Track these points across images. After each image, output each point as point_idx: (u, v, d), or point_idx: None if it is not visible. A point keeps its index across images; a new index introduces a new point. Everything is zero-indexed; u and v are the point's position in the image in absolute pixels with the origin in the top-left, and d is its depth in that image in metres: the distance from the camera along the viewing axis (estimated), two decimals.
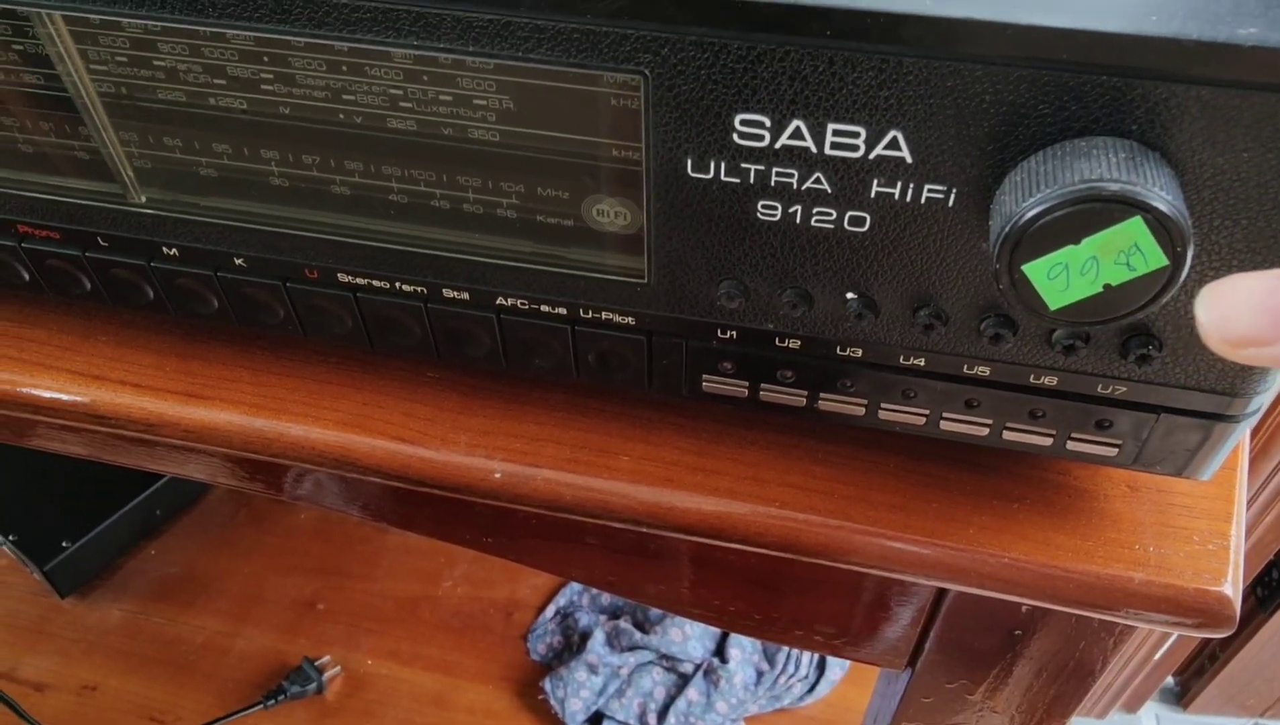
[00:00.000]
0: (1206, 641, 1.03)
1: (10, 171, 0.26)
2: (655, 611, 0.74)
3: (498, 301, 0.25)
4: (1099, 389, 0.23)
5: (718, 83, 0.19)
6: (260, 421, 0.29)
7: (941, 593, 0.30)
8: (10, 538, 0.80)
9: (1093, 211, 0.17)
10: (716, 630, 0.72)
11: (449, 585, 0.83)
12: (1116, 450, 0.24)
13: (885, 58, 0.18)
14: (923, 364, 0.23)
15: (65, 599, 0.84)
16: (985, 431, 0.25)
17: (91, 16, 0.22)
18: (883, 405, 0.25)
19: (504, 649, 0.79)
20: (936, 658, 0.33)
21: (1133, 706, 1.06)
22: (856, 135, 0.19)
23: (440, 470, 0.28)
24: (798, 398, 0.25)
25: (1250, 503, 0.80)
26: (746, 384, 0.25)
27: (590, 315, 0.25)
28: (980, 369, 0.23)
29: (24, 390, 0.30)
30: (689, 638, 0.71)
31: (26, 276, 0.29)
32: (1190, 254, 0.18)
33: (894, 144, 0.19)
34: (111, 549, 0.86)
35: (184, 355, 0.31)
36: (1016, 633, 0.30)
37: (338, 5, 0.20)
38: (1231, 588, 0.25)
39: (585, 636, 0.74)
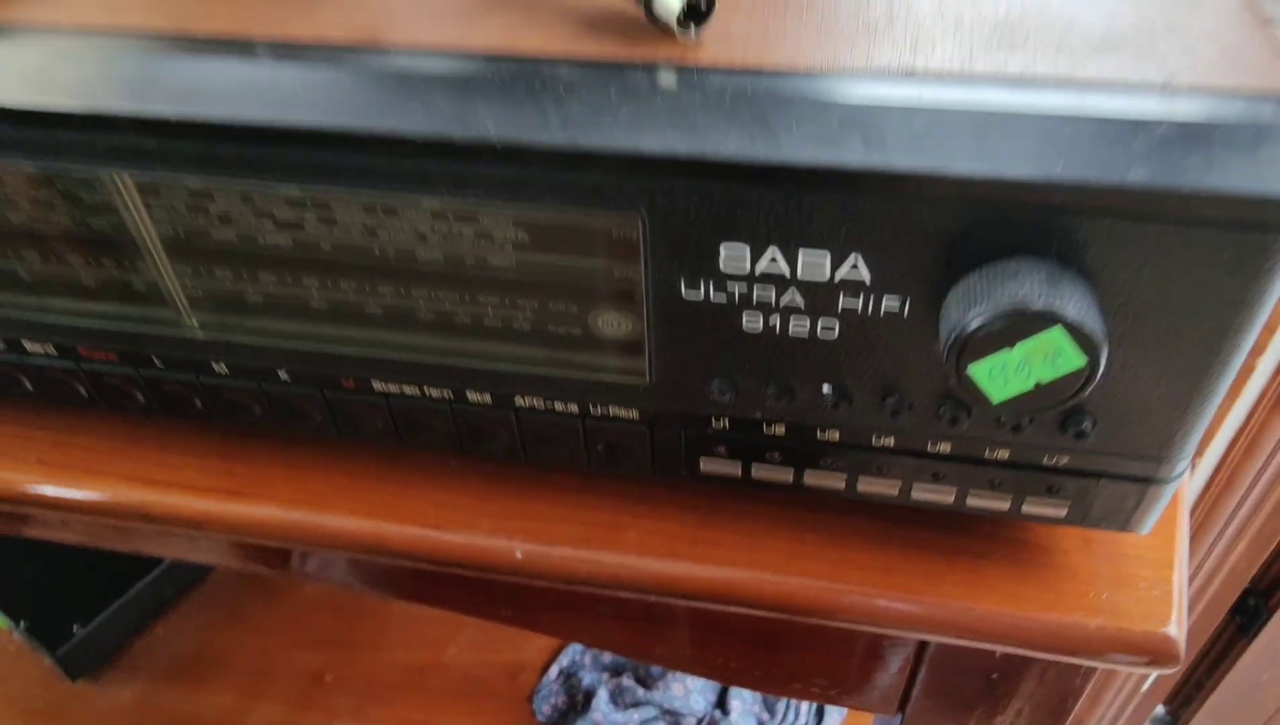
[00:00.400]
0: (1193, 669, 1.06)
1: (74, 302, 0.30)
2: (657, 667, 0.76)
3: (516, 402, 0.29)
4: (1045, 460, 0.26)
5: (705, 220, 0.23)
6: (299, 514, 0.32)
7: (924, 643, 0.33)
8: (21, 624, 0.82)
9: (1022, 323, 0.21)
10: (717, 683, 0.74)
11: (454, 651, 0.85)
12: (1065, 511, 0.27)
13: (844, 200, 0.22)
14: (892, 443, 0.27)
15: (77, 682, 0.85)
16: (951, 499, 0.28)
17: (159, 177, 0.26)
18: (860, 479, 0.28)
19: (510, 712, 0.81)
20: (924, 703, 0.36)
21: None
22: (823, 259, 0.23)
23: (466, 552, 0.31)
24: (785, 475, 0.29)
25: (1220, 534, 0.83)
26: (739, 464, 0.29)
27: (599, 412, 0.28)
28: (942, 446, 0.26)
29: (78, 495, 0.33)
30: (690, 691, 0.74)
31: (85, 393, 0.32)
32: (1104, 353, 0.21)
33: (855, 266, 0.23)
34: (122, 631, 0.87)
35: (225, 456, 0.34)
36: (994, 676, 0.33)
37: (378, 168, 0.23)
38: (1175, 628, 0.28)
39: (589, 695, 0.76)
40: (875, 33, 0.24)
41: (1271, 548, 0.85)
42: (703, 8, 0.24)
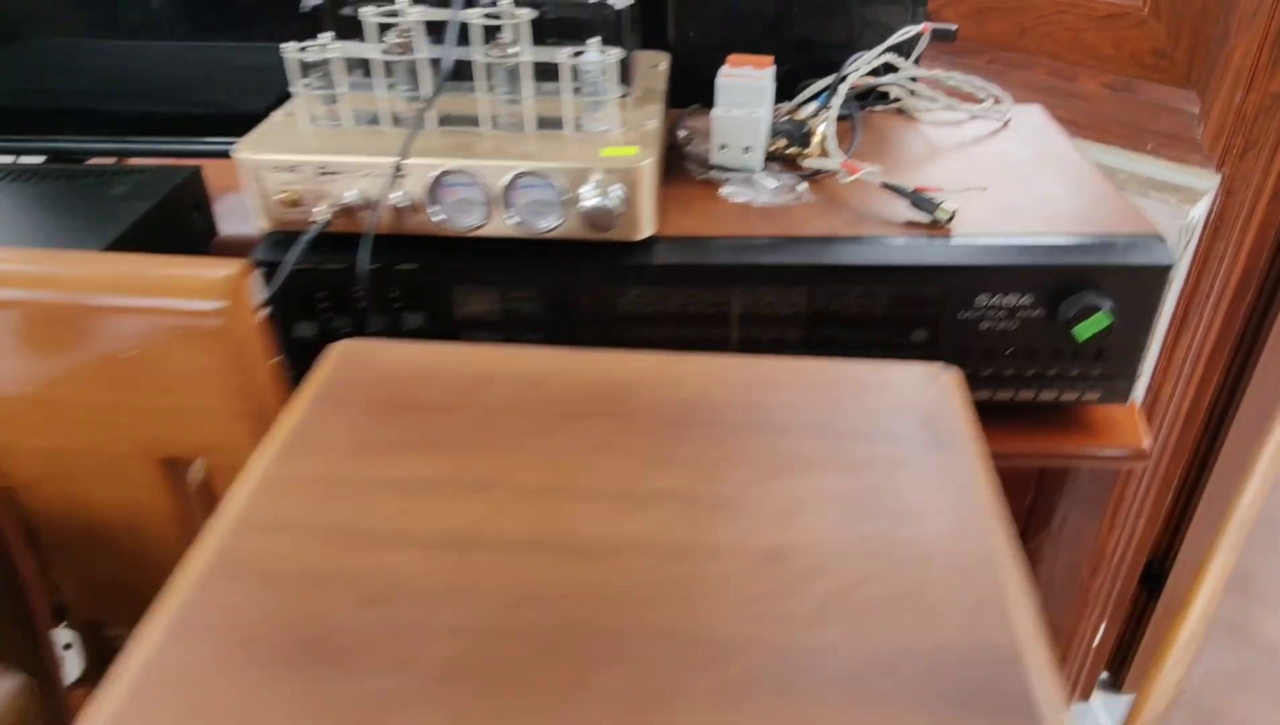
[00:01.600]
0: (1120, 641, 1.47)
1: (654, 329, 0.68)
2: None
3: None
4: (1093, 372, 0.68)
5: (969, 286, 0.64)
6: None
7: (1042, 472, 0.73)
8: None
9: (1088, 310, 0.63)
10: None
11: None
12: (1099, 395, 0.69)
13: (1020, 276, 0.63)
14: (1036, 373, 0.68)
15: None
16: (1055, 395, 0.69)
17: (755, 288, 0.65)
18: (1022, 391, 0.69)
19: None
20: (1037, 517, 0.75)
21: (1085, 696, 1.47)
22: (1017, 296, 0.64)
23: None
24: (987, 396, 0.69)
25: (1126, 518, 1.27)
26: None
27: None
28: (1054, 371, 0.68)
29: None
30: None
31: None
32: (1116, 320, 0.63)
33: (1024, 299, 0.64)
34: None
35: None
36: (1065, 487, 0.74)
37: (808, 278, 0.64)
38: (1146, 443, 0.69)
39: None
40: (996, 220, 0.67)
41: (1158, 525, 1.29)
42: (953, 215, 0.66)
